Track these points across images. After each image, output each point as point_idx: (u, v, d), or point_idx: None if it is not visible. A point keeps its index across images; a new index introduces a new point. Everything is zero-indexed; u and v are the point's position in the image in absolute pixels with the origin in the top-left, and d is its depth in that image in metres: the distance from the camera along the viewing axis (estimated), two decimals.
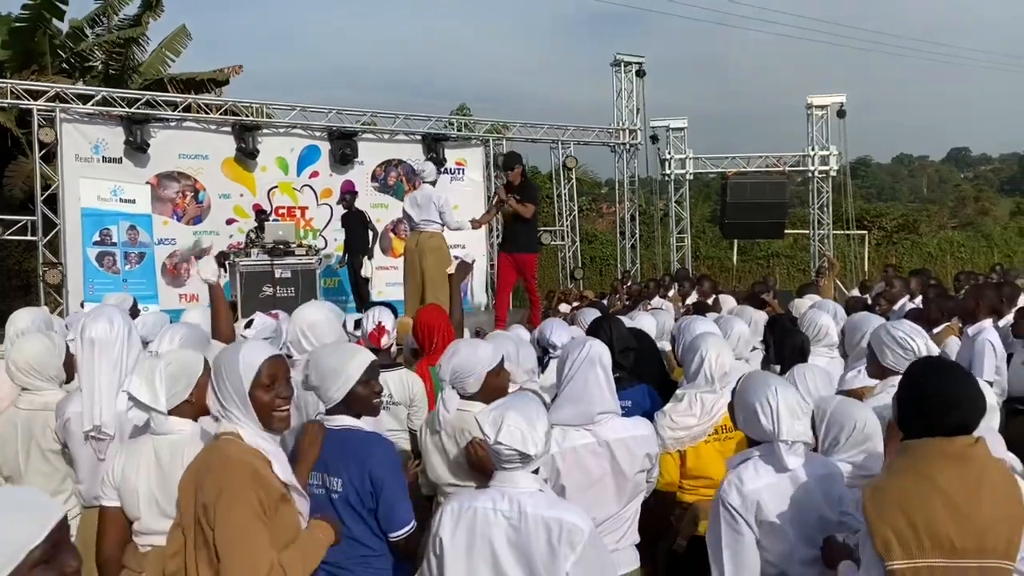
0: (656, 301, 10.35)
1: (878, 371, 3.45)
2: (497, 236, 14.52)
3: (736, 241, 22.83)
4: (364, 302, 10.94)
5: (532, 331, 6.06)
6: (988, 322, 5.86)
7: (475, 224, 9.65)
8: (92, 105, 11.73)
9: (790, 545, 2.56)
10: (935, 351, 3.54)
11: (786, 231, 18.97)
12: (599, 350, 3.00)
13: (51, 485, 3.28)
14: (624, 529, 3.00)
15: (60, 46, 16.56)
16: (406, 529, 2.63)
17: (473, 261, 8.48)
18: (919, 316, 6.73)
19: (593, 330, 3.78)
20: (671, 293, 11.28)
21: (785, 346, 4.22)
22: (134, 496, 2.64)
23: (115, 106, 11.82)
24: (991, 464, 2.22)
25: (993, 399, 3.21)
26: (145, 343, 3.89)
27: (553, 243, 15.77)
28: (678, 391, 3.48)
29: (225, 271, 9.62)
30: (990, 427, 2.93)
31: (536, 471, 2.41)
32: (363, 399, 2.74)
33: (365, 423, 2.78)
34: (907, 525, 2.11)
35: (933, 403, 2.24)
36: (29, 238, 11.62)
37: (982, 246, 28.22)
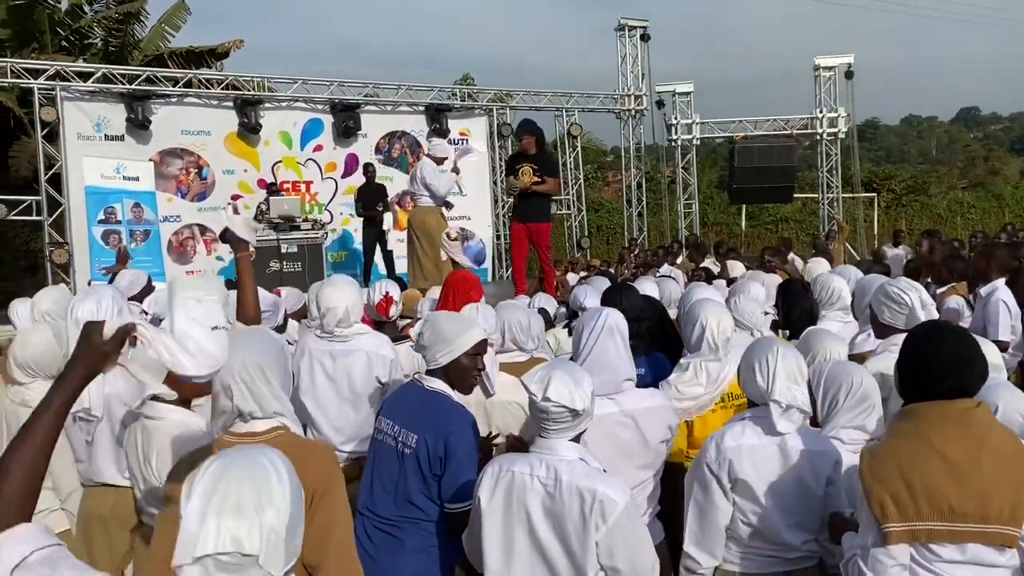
0: (665, 268, 10.30)
1: (879, 330, 3.46)
2: (503, 207, 14.49)
3: (744, 206, 22.66)
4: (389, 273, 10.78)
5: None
6: (1001, 281, 5.78)
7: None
8: (93, 83, 11.66)
9: (764, 509, 2.56)
10: (930, 305, 3.51)
11: (795, 195, 18.82)
12: (616, 318, 2.96)
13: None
14: (650, 499, 2.99)
15: (59, 23, 16.41)
16: (465, 504, 2.63)
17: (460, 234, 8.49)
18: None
19: (605, 299, 3.74)
20: (679, 260, 11.23)
21: (793, 311, 4.18)
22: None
23: (116, 83, 11.74)
24: (994, 428, 2.18)
25: (999, 358, 3.17)
26: (158, 320, 3.89)
27: (559, 212, 15.69)
28: (682, 360, 3.42)
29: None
30: (998, 381, 2.89)
31: (578, 439, 2.38)
32: (464, 371, 2.86)
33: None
34: (904, 487, 2.08)
35: (931, 366, 2.21)
36: (35, 218, 11.64)
37: (993, 206, 27.95)
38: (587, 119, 16.08)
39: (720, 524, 2.62)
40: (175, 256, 12.40)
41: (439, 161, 8.40)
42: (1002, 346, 5.51)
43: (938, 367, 2.18)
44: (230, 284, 9.62)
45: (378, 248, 11.38)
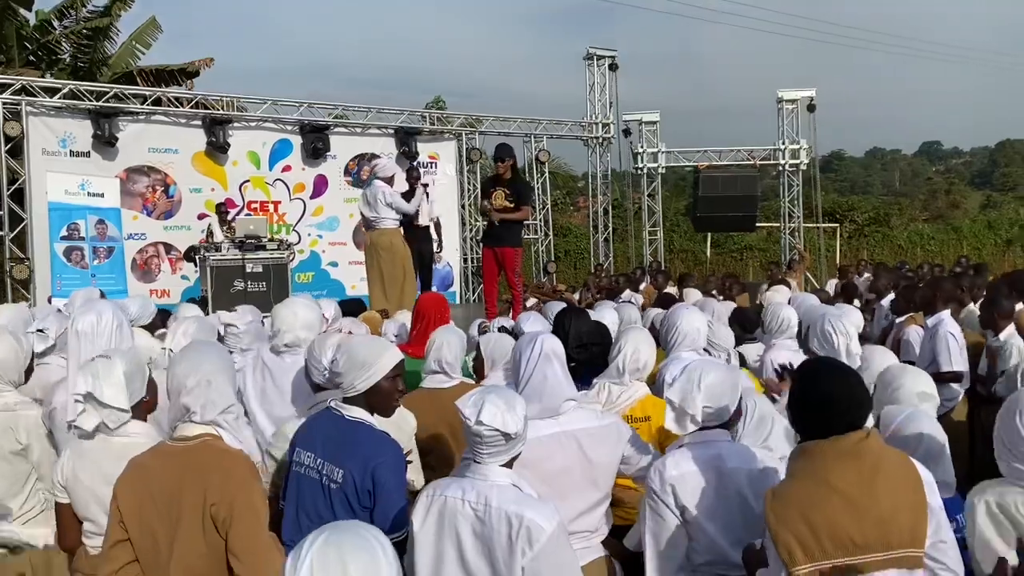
0: (626, 295, 10.43)
1: (808, 354, 3.65)
2: (471, 231, 14.58)
3: (710, 234, 22.97)
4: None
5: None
6: (946, 313, 5.96)
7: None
8: (59, 98, 11.59)
9: (709, 531, 2.63)
10: (856, 353, 3.67)
11: (758, 224, 19.12)
12: (552, 343, 3.02)
13: (13, 488, 3.25)
14: (597, 519, 3.03)
15: (28, 38, 16.32)
16: (401, 532, 2.62)
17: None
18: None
19: (556, 323, 3.82)
20: (643, 286, 11.37)
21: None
22: (86, 496, 2.66)
23: (83, 99, 11.69)
24: (886, 455, 2.26)
25: (931, 386, 3.27)
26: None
27: (526, 236, 15.79)
28: (595, 380, 3.55)
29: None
30: (927, 414, 3.01)
31: (511, 463, 2.43)
32: (385, 395, 2.82)
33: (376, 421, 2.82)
34: (807, 529, 2.14)
35: (818, 405, 2.29)
36: None
37: (951, 239, 28.58)
38: (558, 145, 16.30)
39: (676, 549, 2.68)
40: (139, 274, 12.30)
41: (388, 181, 8.45)
42: (957, 376, 5.68)
43: (825, 406, 2.27)
44: (194, 302, 9.56)
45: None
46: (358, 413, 2.78)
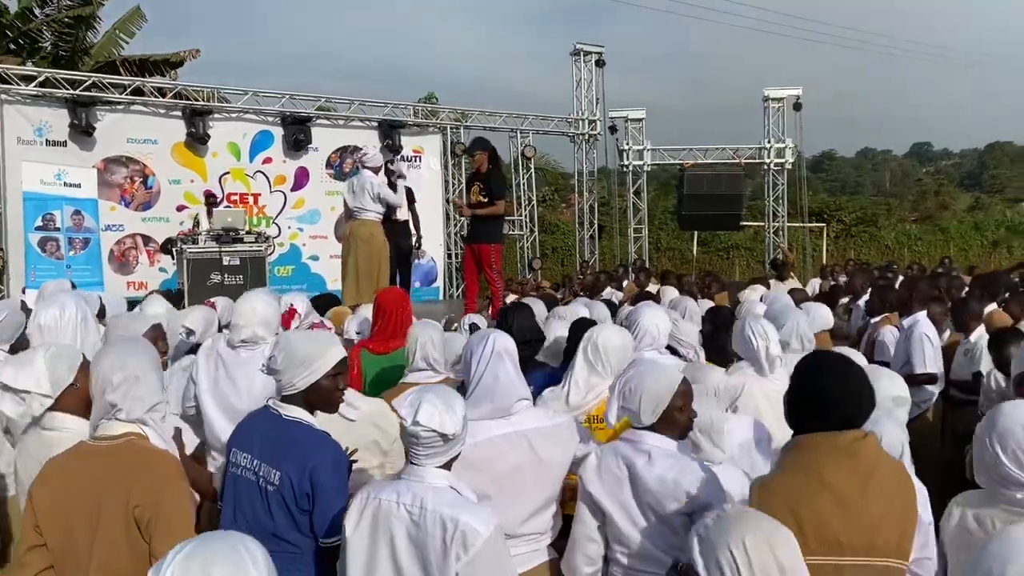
0: (608, 292, 10.36)
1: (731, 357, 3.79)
2: (455, 226, 14.48)
3: (696, 233, 22.95)
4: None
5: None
6: (922, 314, 5.91)
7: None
8: (35, 87, 11.42)
9: (626, 535, 2.61)
10: (776, 357, 3.67)
11: (746, 223, 19.10)
12: (504, 342, 2.95)
13: None
14: (546, 521, 2.96)
15: (7, 26, 16.13)
16: (338, 538, 2.53)
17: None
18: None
19: (499, 319, 3.75)
20: (625, 284, 11.30)
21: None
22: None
23: (59, 88, 11.52)
24: (882, 460, 2.19)
25: (904, 389, 3.21)
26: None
27: (512, 233, 15.71)
28: (563, 376, 3.49)
29: None
30: (896, 419, 2.94)
31: (449, 465, 2.36)
32: (326, 393, 2.71)
33: (317, 420, 2.72)
34: (794, 523, 2.05)
35: (821, 398, 2.21)
36: None
37: (938, 239, 28.65)
38: (548, 142, 16.23)
39: (586, 547, 2.70)
40: (116, 266, 12.15)
41: (375, 171, 8.35)
42: (931, 378, 5.63)
43: (827, 399, 2.19)
44: (170, 295, 9.43)
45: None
46: (296, 412, 2.67)
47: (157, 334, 3.68)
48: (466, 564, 2.16)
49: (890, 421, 2.72)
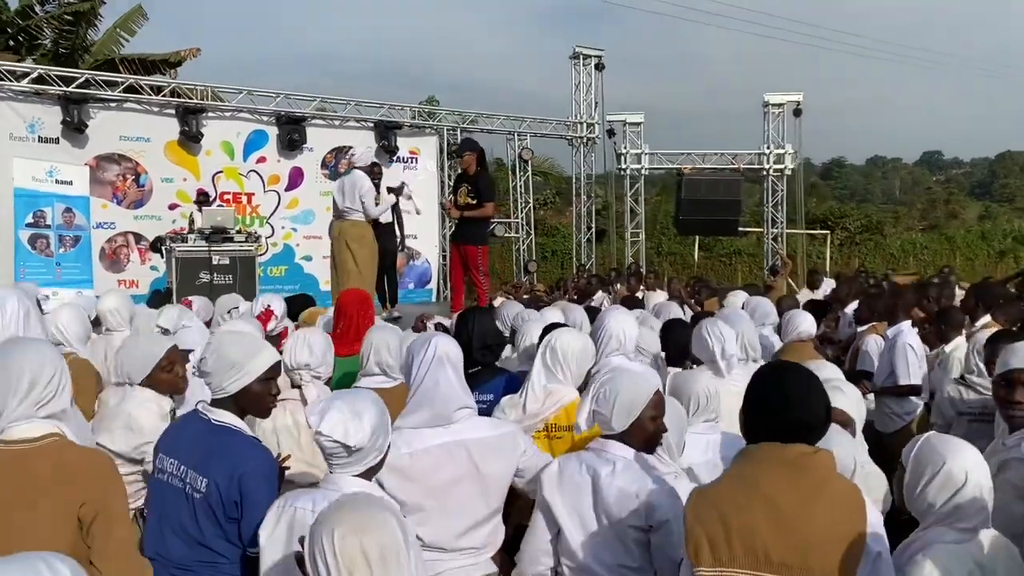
0: (599, 296, 10.26)
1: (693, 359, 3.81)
2: (450, 228, 14.37)
3: (698, 238, 22.82)
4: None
5: None
6: (907, 323, 5.79)
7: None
8: (28, 83, 11.39)
9: (574, 550, 2.55)
10: (732, 356, 3.70)
11: (742, 229, 18.93)
12: (446, 347, 2.86)
13: None
14: (486, 534, 2.86)
15: (7, 22, 16.15)
16: None
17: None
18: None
19: (459, 323, 3.66)
20: (617, 287, 11.20)
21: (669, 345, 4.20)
22: None
23: (52, 84, 11.49)
24: (836, 481, 2.07)
25: (860, 405, 3.11)
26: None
27: (508, 235, 15.61)
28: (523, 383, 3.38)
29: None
30: (849, 436, 2.83)
31: (368, 475, 2.28)
32: (257, 397, 2.65)
33: (247, 424, 2.66)
34: (721, 530, 1.99)
35: (770, 406, 2.12)
36: None
37: (944, 248, 28.44)
38: (550, 146, 16.14)
39: (536, 553, 2.66)
40: (107, 264, 12.09)
41: (366, 170, 8.32)
42: (915, 390, 5.50)
43: (778, 410, 2.09)
44: (157, 295, 9.34)
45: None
46: (226, 417, 2.60)
47: (174, 356, 3.54)
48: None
49: (843, 437, 2.62)
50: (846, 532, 1.96)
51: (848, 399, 2.94)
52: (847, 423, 2.87)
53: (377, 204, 8.57)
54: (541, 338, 3.67)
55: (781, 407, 2.09)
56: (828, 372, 3.17)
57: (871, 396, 5.73)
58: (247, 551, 2.50)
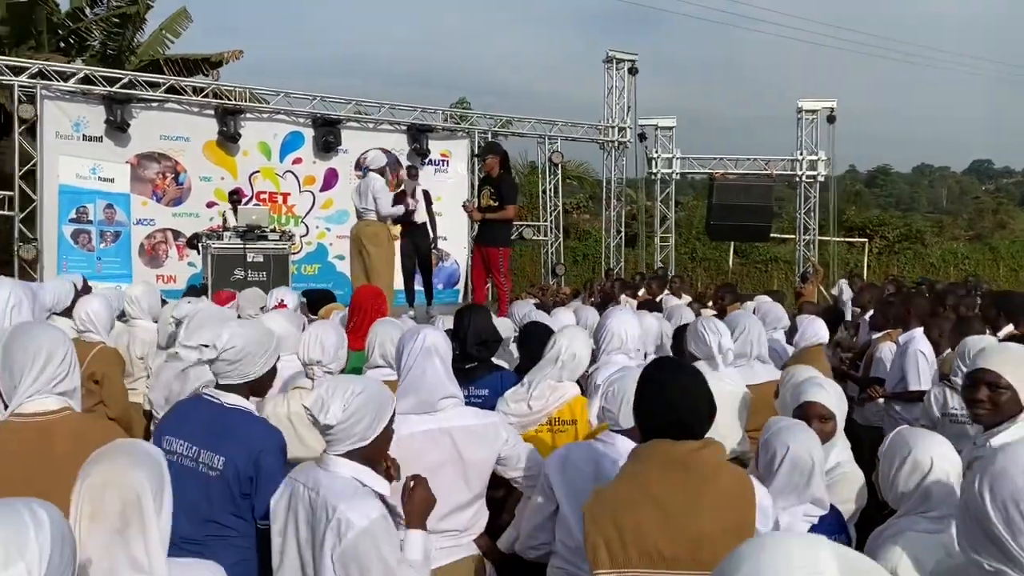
0: (622, 300, 10.32)
1: (687, 357, 3.82)
2: (475, 230, 14.53)
3: (733, 244, 22.68)
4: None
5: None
6: (919, 331, 5.77)
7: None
8: (74, 83, 11.81)
9: (570, 530, 2.62)
10: (728, 348, 3.76)
11: (784, 236, 18.80)
12: (434, 339, 3.00)
13: None
14: (467, 518, 2.99)
15: (59, 25, 16.68)
16: None
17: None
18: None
19: (456, 320, 3.80)
20: (641, 292, 11.24)
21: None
22: None
23: (97, 85, 11.89)
24: (722, 472, 2.16)
25: (835, 397, 3.14)
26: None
27: (536, 238, 15.72)
28: (524, 378, 3.49)
29: None
30: (792, 422, 2.89)
31: (355, 455, 2.38)
32: (267, 381, 2.90)
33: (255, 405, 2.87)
34: (616, 533, 2.08)
35: (656, 405, 2.21)
36: (6, 213, 11.73)
37: (988, 258, 27.80)
38: (584, 149, 16.22)
39: (533, 523, 2.79)
40: (146, 260, 12.47)
41: (380, 171, 8.53)
42: (924, 396, 5.50)
43: (658, 407, 2.19)
44: (193, 290, 9.62)
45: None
46: (238, 401, 2.80)
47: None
48: (340, 553, 2.20)
49: (806, 434, 2.67)
50: (734, 522, 2.05)
51: (828, 394, 3.00)
52: (825, 417, 2.95)
53: (413, 207, 8.83)
54: (548, 336, 3.79)
55: (663, 407, 2.19)
56: (807, 371, 3.24)
57: (880, 401, 5.76)
58: (258, 524, 2.69)
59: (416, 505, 2.46)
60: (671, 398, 2.18)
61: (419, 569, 2.38)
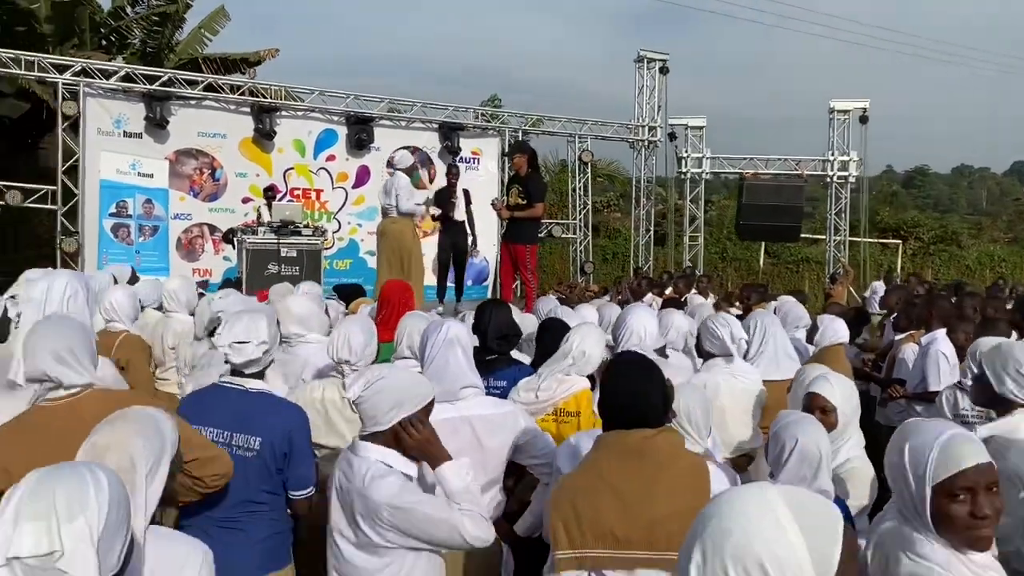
0: (648, 298, 10.37)
1: (704, 355, 3.95)
2: (503, 228, 14.67)
3: (764, 244, 22.56)
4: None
5: None
6: (941, 332, 5.79)
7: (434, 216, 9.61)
8: (116, 81, 12.13)
9: None
10: (741, 338, 3.87)
11: (815, 236, 18.64)
12: (456, 331, 3.13)
13: None
14: (487, 500, 3.09)
15: (101, 23, 17.10)
16: (310, 490, 2.93)
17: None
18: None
19: (477, 314, 3.92)
20: (668, 291, 11.28)
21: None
22: None
23: (137, 83, 12.21)
24: (677, 458, 2.29)
25: (842, 391, 3.20)
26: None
27: (565, 236, 15.81)
28: (540, 368, 3.63)
29: None
30: (802, 416, 2.96)
31: (377, 438, 2.48)
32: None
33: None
34: (574, 517, 2.23)
35: (615, 397, 2.36)
36: (49, 207, 12.09)
37: None
38: (615, 148, 16.27)
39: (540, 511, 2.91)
40: (183, 253, 12.77)
41: (408, 171, 8.75)
42: None
43: (620, 398, 2.33)
44: (228, 283, 9.84)
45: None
46: (261, 385, 3.00)
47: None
48: (388, 532, 2.37)
49: (814, 427, 2.75)
50: (689, 505, 2.11)
51: (832, 388, 3.08)
52: (827, 410, 3.04)
53: (458, 206, 9.19)
54: (563, 333, 3.90)
55: (616, 399, 2.35)
56: (820, 369, 3.32)
57: (902, 402, 5.79)
58: (290, 495, 2.91)
59: (422, 444, 2.46)
60: (624, 389, 2.34)
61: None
